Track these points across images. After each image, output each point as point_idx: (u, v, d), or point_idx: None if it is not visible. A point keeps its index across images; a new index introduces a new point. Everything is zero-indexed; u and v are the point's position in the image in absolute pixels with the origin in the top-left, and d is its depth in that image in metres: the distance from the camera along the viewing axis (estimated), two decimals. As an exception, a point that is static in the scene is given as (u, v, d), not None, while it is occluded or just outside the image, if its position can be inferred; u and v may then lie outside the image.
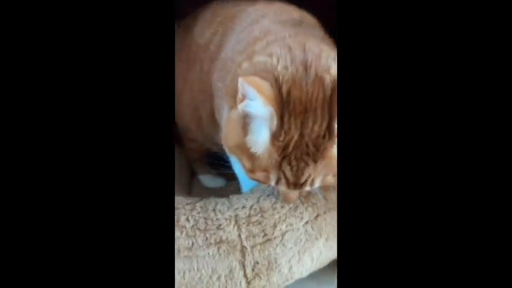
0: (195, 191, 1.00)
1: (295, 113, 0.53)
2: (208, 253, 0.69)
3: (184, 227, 0.71)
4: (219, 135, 0.77)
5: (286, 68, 0.55)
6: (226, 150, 0.63)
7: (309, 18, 0.77)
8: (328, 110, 0.54)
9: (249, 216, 0.71)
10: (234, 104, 0.58)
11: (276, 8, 0.75)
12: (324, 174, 0.56)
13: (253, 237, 0.70)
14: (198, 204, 0.75)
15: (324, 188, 0.64)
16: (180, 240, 0.70)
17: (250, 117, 0.56)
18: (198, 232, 0.70)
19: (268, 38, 0.64)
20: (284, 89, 0.54)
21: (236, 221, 0.71)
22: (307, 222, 0.71)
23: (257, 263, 0.69)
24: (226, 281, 0.69)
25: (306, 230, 0.71)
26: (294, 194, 0.63)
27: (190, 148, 1.00)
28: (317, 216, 0.72)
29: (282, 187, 0.59)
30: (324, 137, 0.54)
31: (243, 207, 0.73)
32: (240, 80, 0.52)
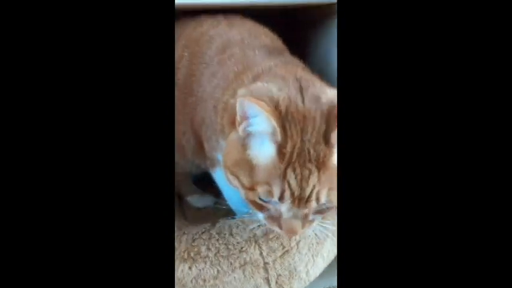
0: (187, 213, 0.97)
1: (295, 122, 0.55)
2: (234, 277, 0.71)
3: (207, 256, 0.71)
4: (207, 163, 0.79)
5: (281, 90, 0.58)
6: (226, 176, 0.62)
7: (277, 42, 0.79)
8: (326, 120, 0.57)
9: (266, 233, 0.74)
10: (232, 127, 0.60)
11: (241, 32, 0.75)
12: (329, 187, 0.57)
13: (274, 252, 0.73)
14: (213, 232, 0.74)
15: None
16: (205, 270, 0.70)
17: (251, 135, 0.57)
18: (221, 259, 0.71)
19: (252, 71, 0.67)
20: (282, 107, 0.56)
21: (256, 241, 0.73)
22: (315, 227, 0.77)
23: (280, 275, 0.73)
24: (253, 299, 0.73)
25: (315, 234, 0.77)
26: (298, 223, 0.60)
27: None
28: (323, 218, 0.78)
29: (286, 204, 0.57)
30: (322, 143, 0.56)
31: (259, 225, 0.75)
32: (241, 101, 0.54)
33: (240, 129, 0.58)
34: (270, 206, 0.60)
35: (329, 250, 0.79)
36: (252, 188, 0.58)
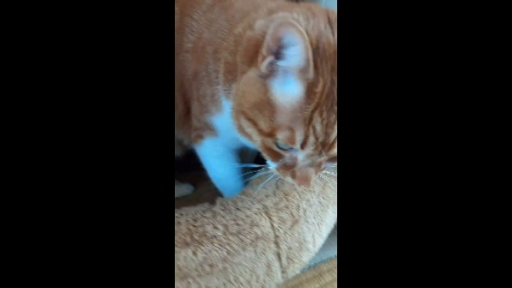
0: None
1: (326, 58, 0.49)
2: (245, 256, 0.61)
3: (214, 236, 0.59)
4: (192, 136, 0.70)
5: (308, 20, 0.51)
6: (238, 124, 0.55)
7: None
8: None
9: (276, 203, 0.65)
10: (248, 67, 0.52)
11: None
12: None
13: (284, 222, 0.64)
14: (216, 209, 0.62)
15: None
16: (213, 254, 0.58)
17: (276, 72, 0.50)
18: (231, 237, 0.60)
19: (266, 6, 0.59)
20: (312, 37, 0.49)
21: (266, 212, 0.63)
22: (318, 194, 0.70)
23: (290, 248, 0.65)
24: (264, 279, 0.63)
25: (319, 202, 0.70)
26: (312, 171, 0.55)
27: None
28: (324, 185, 0.72)
29: (307, 152, 0.51)
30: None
31: (267, 195, 0.65)
32: (277, 27, 0.46)
33: (264, 64, 0.49)
34: (286, 154, 0.54)
35: (331, 217, 0.73)
36: (271, 134, 0.51)
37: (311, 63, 0.47)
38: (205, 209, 0.63)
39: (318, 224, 0.69)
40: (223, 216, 0.61)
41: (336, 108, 0.48)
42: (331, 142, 0.50)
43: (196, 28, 0.63)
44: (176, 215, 0.61)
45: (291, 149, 0.52)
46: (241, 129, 0.54)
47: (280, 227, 0.64)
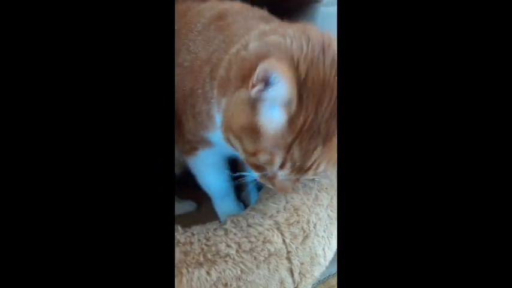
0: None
1: (313, 91, 0.49)
2: (259, 274, 0.60)
3: (228, 255, 0.58)
4: (184, 148, 0.70)
5: (301, 48, 0.51)
6: (226, 136, 0.56)
7: (273, 17, 0.70)
8: None
9: (287, 218, 0.64)
10: (241, 84, 0.53)
11: (236, 4, 0.69)
12: (328, 159, 0.54)
13: (295, 237, 0.64)
14: (228, 227, 0.61)
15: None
16: (227, 273, 0.57)
17: (264, 101, 0.51)
18: (245, 255, 0.59)
19: (259, 28, 0.59)
20: (302, 69, 0.49)
21: (278, 228, 0.63)
22: (327, 207, 0.70)
23: (302, 263, 0.64)
24: (277, 295, 0.62)
25: (328, 215, 0.70)
26: (290, 183, 0.57)
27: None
28: (331, 198, 0.72)
29: (285, 172, 0.54)
30: (335, 117, 0.51)
31: (278, 211, 0.64)
32: (264, 65, 0.47)
33: (254, 91, 0.50)
34: (268, 169, 0.56)
35: (339, 229, 0.73)
36: (254, 154, 0.54)
37: (294, 100, 0.48)
38: (217, 226, 0.62)
39: (327, 238, 0.69)
40: (235, 234, 0.60)
41: (316, 138, 0.50)
42: (307, 167, 0.53)
43: (193, 48, 0.64)
44: (188, 234, 0.60)
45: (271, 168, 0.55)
46: (228, 141, 0.57)
47: (292, 243, 0.63)
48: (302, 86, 0.49)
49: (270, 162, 0.53)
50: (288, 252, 0.63)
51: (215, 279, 0.57)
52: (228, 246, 0.58)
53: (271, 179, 0.57)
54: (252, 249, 0.59)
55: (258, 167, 0.56)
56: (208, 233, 0.60)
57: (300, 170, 0.53)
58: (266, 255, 0.60)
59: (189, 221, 0.67)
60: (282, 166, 0.53)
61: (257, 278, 0.59)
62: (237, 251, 0.58)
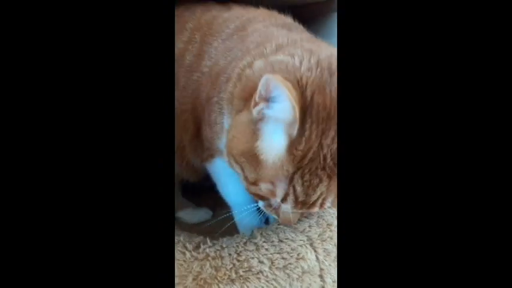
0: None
1: (318, 120, 0.46)
2: (292, 292, 0.56)
3: (261, 272, 0.55)
4: (203, 155, 0.68)
5: (310, 70, 0.48)
6: (228, 161, 0.53)
7: (296, 24, 0.69)
8: None
9: (320, 234, 0.61)
10: (243, 106, 0.51)
11: (259, 12, 0.68)
12: (335, 195, 0.49)
13: (329, 254, 0.60)
14: (259, 242, 0.58)
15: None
16: (259, 291, 0.54)
17: (266, 121, 0.47)
18: (278, 272, 0.55)
19: (276, 41, 0.56)
20: (308, 93, 0.46)
21: (311, 244, 0.59)
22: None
23: (334, 281, 0.61)
24: (309, 315, 0.59)
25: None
26: (296, 216, 0.54)
27: None
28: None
29: (288, 206, 0.50)
30: None
31: (310, 226, 0.61)
32: (266, 79, 0.44)
33: (256, 110, 0.47)
34: (271, 199, 0.52)
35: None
36: (255, 183, 0.50)
37: (297, 123, 0.45)
38: (246, 240, 0.58)
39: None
40: (267, 249, 0.56)
41: (321, 173, 0.46)
42: (311, 202, 0.48)
43: (214, 55, 0.62)
44: (217, 247, 0.56)
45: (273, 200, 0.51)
46: (231, 166, 0.53)
47: (325, 260, 0.60)
48: (306, 111, 0.45)
49: (271, 194, 0.49)
50: (321, 269, 0.59)
51: (247, 297, 0.53)
52: (261, 262, 0.55)
53: (276, 209, 0.53)
54: (285, 267, 0.56)
55: (261, 197, 0.53)
56: (238, 247, 0.56)
57: (304, 204, 0.49)
58: (300, 273, 0.56)
59: (208, 230, 0.64)
60: (284, 199, 0.49)
61: (289, 297, 0.56)
62: (270, 268, 0.55)
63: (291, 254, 0.57)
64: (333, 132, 0.46)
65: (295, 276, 0.56)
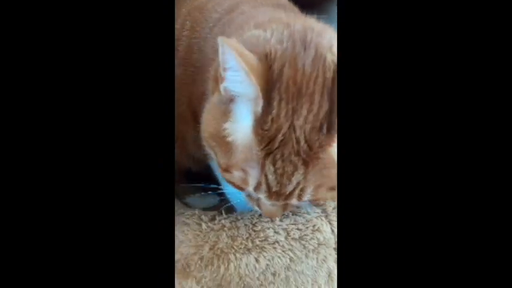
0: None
1: (287, 97, 0.42)
2: (308, 264, 0.56)
3: (277, 242, 0.55)
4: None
5: (281, 42, 0.44)
6: (205, 145, 0.49)
7: (291, 5, 0.65)
8: (329, 96, 0.42)
9: (335, 207, 0.60)
10: (215, 88, 0.47)
11: None
12: (317, 184, 0.44)
13: (343, 228, 0.60)
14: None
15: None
16: (275, 261, 0.54)
17: (234, 100, 0.44)
18: (294, 243, 0.55)
19: (256, 20, 0.52)
20: (276, 66, 0.42)
21: (326, 216, 0.59)
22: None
23: (350, 255, 0.60)
24: (324, 289, 0.58)
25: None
26: (277, 209, 0.49)
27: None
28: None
29: (262, 197, 0.45)
30: (320, 130, 0.42)
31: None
32: (220, 41, 0.40)
33: (222, 87, 0.43)
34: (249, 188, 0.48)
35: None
36: (227, 170, 0.45)
37: (259, 93, 0.41)
38: (260, 213, 0.58)
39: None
40: (281, 221, 0.56)
41: (295, 158, 0.42)
42: (287, 193, 0.44)
43: (203, 46, 0.59)
44: (232, 219, 0.56)
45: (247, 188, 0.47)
46: (207, 151, 0.49)
47: (340, 232, 0.60)
48: (274, 86, 0.42)
49: (244, 182, 0.45)
50: (336, 242, 0.59)
51: (264, 267, 0.53)
52: (276, 232, 0.55)
53: (257, 201, 0.49)
54: (301, 237, 0.56)
55: (236, 186, 0.48)
56: (253, 218, 0.56)
57: (279, 195, 0.44)
58: (315, 245, 0.56)
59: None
60: (256, 189, 0.44)
61: (305, 269, 0.56)
62: (285, 238, 0.55)
63: (307, 226, 0.57)
64: (305, 112, 0.41)
65: (311, 247, 0.56)
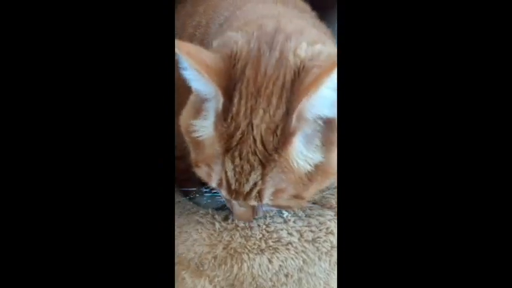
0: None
1: (247, 96, 0.42)
2: (320, 266, 0.55)
3: (290, 243, 0.54)
4: None
5: (248, 43, 0.45)
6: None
7: (300, 2, 0.65)
8: (287, 98, 0.42)
9: (348, 210, 0.60)
10: None
11: None
12: (277, 188, 0.44)
13: (356, 232, 0.60)
14: (285, 215, 0.57)
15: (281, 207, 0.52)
16: (288, 262, 0.53)
17: (206, 99, 0.45)
18: (307, 245, 0.55)
19: (246, 16, 0.54)
20: (239, 65, 0.43)
21: (339, 220, 0.59)
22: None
23: (362, 260, 0.60)
24: (337, 292, 0.58)
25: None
26: (246, 211, 0.50)
27: (179, 168, 0.74)
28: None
29: (224, 193, 0.46)
30: (275, 131, 0.42)
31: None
32: (176, 43, 0.41)
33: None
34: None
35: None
36: (196, 165, 0.47)
37: (217, 90, 0.42)
38: (273, 214, 0.58)
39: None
40: (294, 222, 0.56)
41: (252, 157, 0.42)
42: (245, 193, 0.44)
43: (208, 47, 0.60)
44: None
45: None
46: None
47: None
48: (236, 84, 0.42)
49: (208, 177, 0.46)
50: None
51: (277, 268, 0.53)
52: (290, 234, 0.55)
53: (229, 202, 0.50)
54: (314, 240, 0.56)
55: (205, 182, 0.48)
56: (266, 218, 0.56)
57: (238, 194, 0.44)
58: (329, 248, 0.56)
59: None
60: (219, 185, 0.45)
61: (318, 271, 0.55)
62: (299, 240, 0.55)
63: (320, 228, 0.57)
64: (261, 112, 0.42)
65: (324, 250, 0.56)
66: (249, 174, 0.43)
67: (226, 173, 0.43)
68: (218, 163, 0.44)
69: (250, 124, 0.42)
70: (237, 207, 0.49)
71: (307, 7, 0.66)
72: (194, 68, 0.41)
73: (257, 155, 0.42)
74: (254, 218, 0.53)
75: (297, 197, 0.45)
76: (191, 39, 0.61)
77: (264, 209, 0.51)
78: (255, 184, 0.43)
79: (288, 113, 0.42)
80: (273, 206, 0.48)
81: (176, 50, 0.41)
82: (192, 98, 0.47)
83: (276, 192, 0.44)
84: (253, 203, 0.45)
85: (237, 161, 0.43)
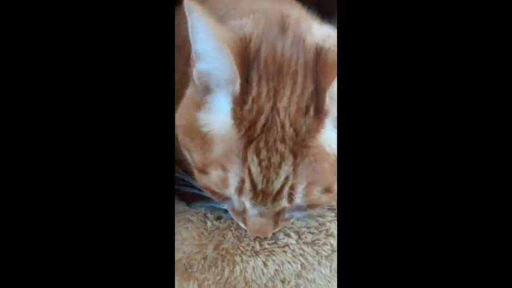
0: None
1: (267, 76, 0.38)
2: (320, 272, 0.51)
3: (287, 245, 0.50)
4: None
5: (257, 26, 0.42)
6: (180, 147, 0.44)
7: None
8: (313, 75, 0.39)
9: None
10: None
11: None
12: (309, 181, 0.39)
13: (359, 236, 0.56)
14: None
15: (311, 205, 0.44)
16: (285, 266, 0.49)
17: (209, 90, 0.40)
18: (305, 247, 0.51)
19: (241, 7, 0.51)
20: (252, 46, 0.40)
21: (340, 222, 0.55)
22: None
23: (366, 267, 0.56)
24: (338, 301, 0.53)
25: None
26: (267, 223, 0.43)
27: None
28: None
29: (247, 201, 0.40)
30: (306, 112, 0.38)
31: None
32: (187, 4, 0.36)
33: (194, 72, 0.40)
34: (233, 197, 0.42)
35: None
36: (203, 171, 0.40)
37: (236, 70, 0.37)
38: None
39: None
40: (292, 223, 0.52)
41: (281, 146, 0.37)
42: (275, 192, 0.38)
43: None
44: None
45: (228, 192, 0.41)
46: (184, 154, 0.44)
47: (356, 240, 0.55)
48: (251, 66, 0.38)
49: (224, 183, 0.39)
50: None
51: (273, 272, 0.48)
52: (287, 235, 0.51)
53: (241, 212, 0.43)
54: (313, 242, 0.51)
55: (219, 195, 0.42)
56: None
57: (265, 196, 0.39)
58: (329, 251, 0.52)
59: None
60: (239, 190, 0.39)
61: (318, 278, 0.51)
62: (297, 242, 0.50)
63: (320, 230, 0.52)
64: (288, 92, 0.38)
65: (324, 253, 0.51)
66: (279, 166, 0.37)
67: (249, 170, 0.38)
68: (237, 161, 0.38)
69: (275, 108, 0.37)
70: (255, 218, 0.42)
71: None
72: (215, 39, 0.36)
73: (286, 143, 0.37)
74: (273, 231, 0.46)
75: (328, 190, 0.40)
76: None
77: (287, 215, 0.44)
78: (287, 178, 0.38)
79: (317, 92, 0.38)
80: (300, 207, 0.42)
81: (191, 16, 0.36)
82: (189, 91, 0.43)
83: (309, 186, 0.39)
84: (283, 204, 0.40)
85: (263, 153, 0.37)
